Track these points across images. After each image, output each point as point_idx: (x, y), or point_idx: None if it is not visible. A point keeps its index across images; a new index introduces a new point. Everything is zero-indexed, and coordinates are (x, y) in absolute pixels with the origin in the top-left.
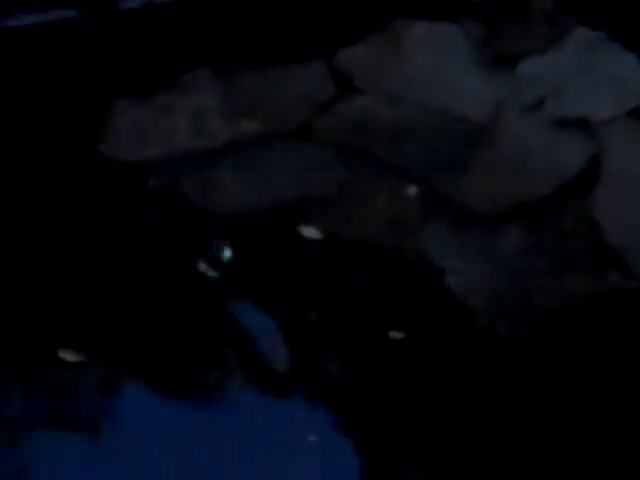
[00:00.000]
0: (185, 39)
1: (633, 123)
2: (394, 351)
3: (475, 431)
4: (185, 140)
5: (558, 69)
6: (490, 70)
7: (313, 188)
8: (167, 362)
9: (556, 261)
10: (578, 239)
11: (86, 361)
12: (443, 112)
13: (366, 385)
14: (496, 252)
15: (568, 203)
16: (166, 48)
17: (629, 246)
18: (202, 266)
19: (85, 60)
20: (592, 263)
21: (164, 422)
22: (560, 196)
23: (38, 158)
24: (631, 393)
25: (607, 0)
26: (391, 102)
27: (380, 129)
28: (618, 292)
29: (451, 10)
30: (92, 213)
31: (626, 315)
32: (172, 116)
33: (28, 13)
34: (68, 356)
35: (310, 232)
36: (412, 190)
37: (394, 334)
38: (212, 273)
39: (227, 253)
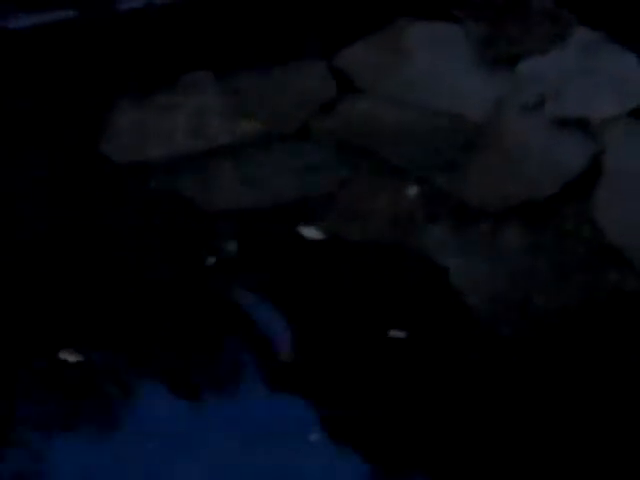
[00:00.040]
0: (185, 40)
1: (633, 123)
2: (395, 349)
3: (474, 430)
4: (185, 141)
5: (558, 69)
6: (490, 70)
7: (313, 188)
8: (168, 362)
9: (556, 260)
10: (578, 239)
11: (88, 361)
12: (444, 112)
13: (367, 383)
14: (497, 251)
15: (568, 203)
16: (166, 49)
17: (630, 245)
18: (203, 266)
19: (86, 61)
20: (592, 263)
21: (170, 416)
22: (561, 196)
23: (38, 159)
24: (631, 392)
25: (607, 0)
26: (392, 102)
27: (380, 129)
28: (618, 292)
29: (451, 10)
30: (92, 213)
31: (626, 314)
32: (172, 117)
33: (28, 14)
34: (69, 356)
35: (310, 232)
36: (413, 190)
37: (395, 333)
38: (213, 273)
39: (228, 252)
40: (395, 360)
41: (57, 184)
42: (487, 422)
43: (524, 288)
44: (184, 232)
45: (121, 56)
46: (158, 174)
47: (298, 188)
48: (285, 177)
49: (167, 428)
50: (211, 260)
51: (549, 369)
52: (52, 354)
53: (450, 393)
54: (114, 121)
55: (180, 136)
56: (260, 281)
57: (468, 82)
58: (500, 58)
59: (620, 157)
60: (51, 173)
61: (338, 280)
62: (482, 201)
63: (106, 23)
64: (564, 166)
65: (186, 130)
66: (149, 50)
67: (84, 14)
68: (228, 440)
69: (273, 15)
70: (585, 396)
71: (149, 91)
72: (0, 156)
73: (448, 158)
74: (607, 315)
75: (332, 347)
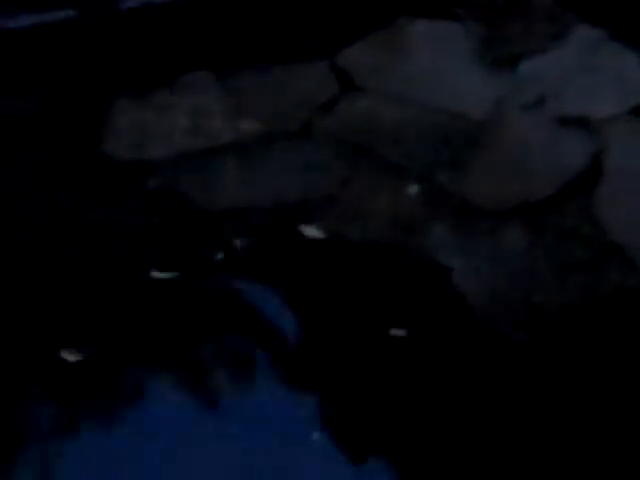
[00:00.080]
0: (185, 39)
1: (634, 121)
2: (396, 348)
3: (474, 429)
4: (186, 140)
5: (559, 67)
6: (491, 68)
7: (314, 187)
8: (170, 361)
9: (558, 259)
10: (580, 237)
11: (89, 360)
12: (444, 111)
13: (367, 381)
14: (498, 250)
15: (570, 201)
16: (166, 48)
17: (631, 244)
18: (204, 265)
19: (86, 60)
20: (594, 261)
21: (173, 414)
22: (562, 194)
23: (39, 158)
24: (632, 392)
25: None
26: (393, 101)
27: (382, 128)
28: (620, 290)
29: (452, 9)
30: (93, 212)
31: (628, 313)
32: (173, 116)
33: (28, 13)
34: (70, 356)
35: (311, 231)
36: (413, 189)
37: (395, 331)
38: (214, 272)
39: (229, 252)
40: (396, 358)
41: (58, 183)
42: (488, 421)
43: (525, 287)
44: (185, 231)
45: (121, 55)
46: (159, 173)
47: (299, 187)
48: (286, 176)
49: (169, 427)
50: (212, 259)
51: (550, 368)
52: (53, 353)
53: (450, 392)
54: (115, 120)
55: (181, 135)
56: (261, 280)
57: (469, 81)
58: (501, 57)
59: (621, 155)
60: (51, 172)
61: (339, 279)
62: (483, 200)
63: (106, 22)
64: (565, 165)
65: (186, 129)
66: (149, 49)
67: (84, 14)
68: (231, 439)
69: (273, 14)
70: (587, 395)
71: (149, 90)
72: (3, 154)
73: (449, 157)
74: (609, 313)
75: (334, 345)
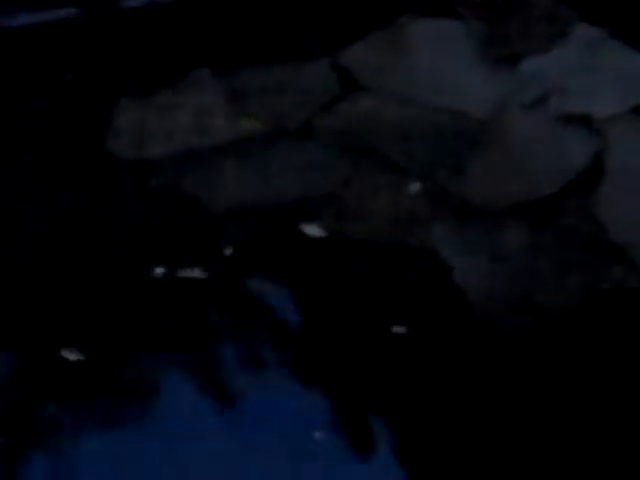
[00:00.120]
0: (187, 38)
1: (636, 120)
2: (397, 345)
3: (474, 428)
4: (188, 139)
5: (561, 66)
6: (493, 67)
7: (316, 186)
8: (171, 361)
9: (559, 258)
10: (581, 236)
11: (89, 360)
12: (446, 110)
13: (369, 378)
14: (499, 249)
15: (571, 200)
16: (169, 47)
17: (633, 243)
18: (205, 264)
19: (88, 59)
20: (595, 260)
21: (174, 414)
22: (563, 193)
23: (41, 157)
24: (633, 391)
25: None
26: (394, 100)
27: (383, 127)
28: (621, 289)
29: (454, 8)
30: (94, 211)
31: (629, 312)
32: (175, 115)
33: (30, 12)
34: (70, 355)
35: (313, 230)
36: (415, 188)
37: (396, 329)
38: (215, 271)
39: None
40: (397, 355)
41: (60, 182)
42: (487, 418)
43: (526, 286)
44: (186, 230)
45: (123, 55)
46: (162, 172)
47: (300, 186)
48: (287, 175)
49: (169, 428)
50: (214, 257)
51: (551, 366)
52: (53, 353)
53: (451, 389)
54: (117, 119)
55: (182, 135)
56: (262, 279)
57: (470, 80)
58: (502, 55)
59: (623, 154)
60: (54, 171)
61: (341, 277)
62: (484, 199)
63: (108, 21)
64: (567, 163)
65: (188, 128)
66: (151, 48)
67: (86, 13)
68: (233, 438)
69: (275, 13)
70: (587, 394)
71: (152, 89)
72: (3, 153)
73: (450, 156)
74: (610, 313)
75: (336, 342)
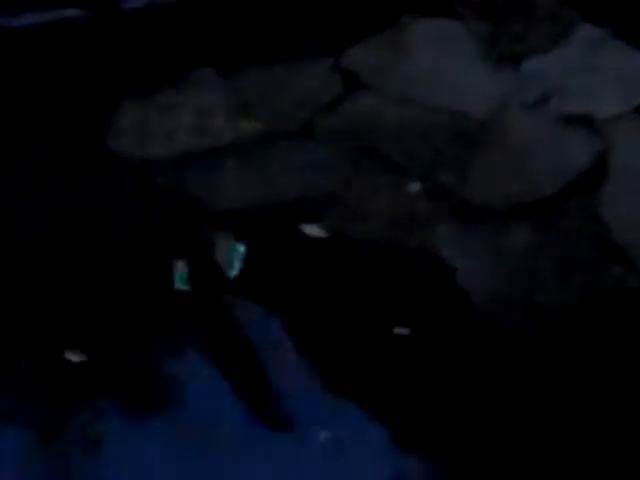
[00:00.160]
0: (189, 38)
1: (639, 120)
2: (397, 347)
3: (476, 425)
4: (189, 139)
5: (562, 66)
6: (494, 67)
7: (316, 186)
8: (172, 362)
9: (560, 259)
10: (583, 237)
11: (91, 361)
12: (447, 110)
13: (371, 378)
14: (500, 250)
15: (573, 201)
16: (170, 47)
17: (635, 243)
18: (206, 264)
19: (90, 59)
20: (596, 261)
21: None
22: (565, 194)
23: (42, 156)
24: (634, 391)
25: None
26: (395, 100)
27: (384, 127)
28: (623, 290)
29: (455, 8)
30: (96, 210)
31: (631, 313)
32: (176, 115)
33: (31, 12)
34: (73, 357)
35: (314, 231)
36: (416, 188)
37: (398, 330)
38: (216, 272)
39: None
40: (400, 356)
41: (61, 182)
42: (489, 418)
43: (528, 286)
44: (186, 230)
45: (125, 55)
46: (163, 171)
47: (301, 186)
48: (288, 175)
49: (170, 428)
50: (214, 259)
51: (552, 366)
52: (56, 354)
53: (453, 389)
54: (120, 118)
55: (184, 134)
56: (263, 279)
57: (472, 79)
58: (504, 55)
59: (626, 154)
60: (55, 171)
61: (342, 278)
62: (485, 199)
63: (110, 22)
64: (569, 164)
65: (190, 128)
66: (152, 49)
67: (87, 13)
68: (236, 438)
69: (277, 13)
70: (589, 393)
71: (153, 89)
72: (6, 152)
73: (451, 156)
74: (611, 313)
75: (338, 343)
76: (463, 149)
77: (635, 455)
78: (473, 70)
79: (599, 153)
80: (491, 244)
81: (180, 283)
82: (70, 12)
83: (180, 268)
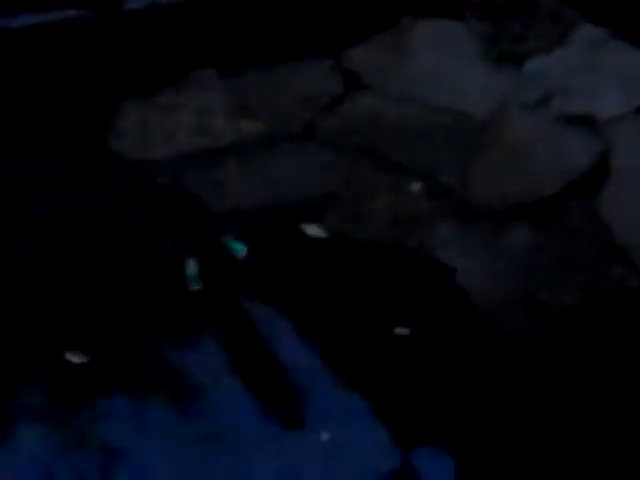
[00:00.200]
0: (190, 39)
1: None
2: (400, 346)
3: (476, 428)
4: (190, 139)
5: (563, 66)
6: (495, 67)
7: (317, 187)
8: (173, 363)
9: (561, 259)
10: (583, 237)
11: (93, 362)
12: (448, 110)
13: (372, 382)
14: (500, 250)
15: (574, 201)
16: (171, 48)
17: (636, 243)
18: (208, 267)
19: (91, 60)
20: (597, 261)
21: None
22: (566, 194)
23: (43, 156)
24: (636, 391)
25: None
26: (396, 100)
27: (385, 127)
28: (624, 290)
29: (456, 8)
30: (97, 211)
31: (631, 313)
32: (177, 116)
33: (31, 13)
34: (74, 358)
35: (314, 231)
36: (416, 188)
37: (399, 330)
38: (217, 272)
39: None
40: (401, 356)
41: (62, 183)
42: (491, 417)
43: (528, 286)
44: (188, 230)
45: (126, 55)
46: (164, 172)
47: (302, 186)
48: (289, 176)
49: (170, 430)
50: (216, 258)
51: (553, 366)
52: (57, 355)
53: (455, 391)
54: (120, 120)
55: (185, 135)
56: (264, 280)
57: (472, 79)
58: (504, 56)
59: (627, 154)
60: (56, 171)
61: (342, 278)
62: (486, 199)
63: (111, 22)
64: (569, 164)
65: (191, 129)
66: (153, 49)
67: (88, 14)
68: (237, 438)
69: (278, 14)
70: (589, 393)
71: (154, 90)
72: (5, 153)
73: (452, 156)
74: (612, 313)
75: (339, 344)
76: (464, 149)
77: (635, 454)
78: (473, 70)
79: (600, 153)
80: (491, 244)
81: (191, 281)
82: (71, 13)
83: (191, 266)
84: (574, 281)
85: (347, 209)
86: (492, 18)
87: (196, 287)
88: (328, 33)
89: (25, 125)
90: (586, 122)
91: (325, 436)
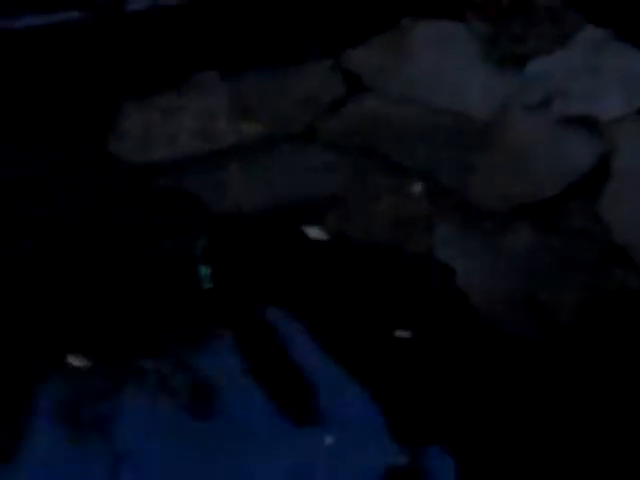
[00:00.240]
0: (191, 41)
1: None
2: (400, 349)
3: (477, 429)
4: (191, 142)
5: (565, 68)
6: (496, 68)
7: (318, 189)
8: (175, 365)
9: (562, 260)
10: (585, 238)
11: (94, 365)
12: (449, 111)
13: (373, 382)
14: (502, 250)
15: (575, 202)
16: (172, 50)
17: (637, 244)
18: (209, 268)
19: (92, 62)
20: (598, 262)
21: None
22: (567, 195)
23: (43, 158)
24: (636, 391)
25: None
26: (397, 101)
27: (386, 129)
28: (624, 291)
29: (457, 9)
30: (98, 213)
31: (632, 314)
32: (179, 118)
33: (33, 14)
34: (76, 361)
35: (315, 233)
36: (417, 189)
37: (400, 333)
38: (219, 275)
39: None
40: (401, 359)
41: (63, 184)
42: (493, 418)
43: (528, 287)
44: (188, 233)
45: (127, 57)
46: (165, 174)
47: (303, 188)
48: (290, 178)
49: (171, 431)
50: (217, 260)
51: (554, 367)
52: (59, 358)
53: (457, 393)
54: (122, 121)
55: (186, 137)
56: (265, 281)
57: (473, 81)
58: (505, 57)
59: (629, 156)
60: (57, 173)
61: (343, 280)
62: (488, 200)
63: (112, 24)
64: (571, 165)
65: (192, 131)
66: (155, 51)
67: (91, 15)
68: (238, 439)
69: (279, 16)
70: (590, 393)
71: (156, 93)
72: (6, 154)
73: (454, 157)
74: (613, 314)
75: (340, 346)
76: (465, 151)
77: (635, 455)
78: (474, 71)
79: (601, 155)
80: (492, 245)
81: (204, 281)
82: (73, 14)
83: (203, 266)
84: (574, 282)
85: (349, 211)
86: (493, 19)
87: (208, 286)
88: (329, 34)
89: (27, 126)
90: (587, 123)
91: (332, 436)
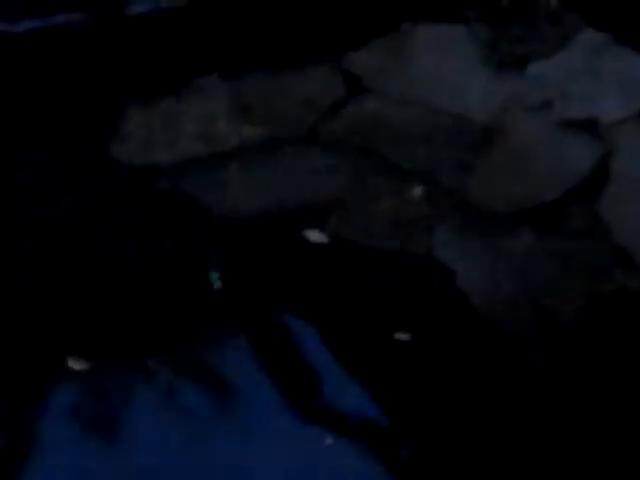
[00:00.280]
0: (193, 44)
1: None
2: (400, 352)
3: (482, 432)
4: (193, 145)
5: (565, 70)
6: (496, 71)
7: (319, 191)
8: (176, 367)
9: (562, 262)
10: (585, 240)
11: (94, 368)
12: (450, 114)
13: (374, 388)
14: (501, 253)
15: (575, 204)
16: (174, 53)
17: (637, 246)
18: (210, 269)
19: (94, 65)
20: (599, 264)
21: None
22: (567, 198)
23: (44, 161)
24: (636, 392)
25: (614, 1)
26: (398, 104)
27: (387, 132)
28: (625, 293)
29: (457, 12)
30: (99, 216)
31: (632, 316)
32: (180, 121)
33: (35, 17)
34: (76, 364)
35: (316, 236)
36: (418, 192)
37: (401, 335)
38: (220, 276)
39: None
40: (401, 362)
41: (65, 187)
42: (494, 422)
43: (529, 289)
44: (189, 235)
45: (129, 60)
46: (167, 178)
47: (304, 191)
48: (291, 180)
49: (172, 433)
50: (218, 262)
51: (554, 368)
52: (59, 362)
53: (457, 395)
54: (123, 125)
55: (188, 140)
56: (265, 285)
57: (474, 83)
58: (506, 60)
59: (629, 158)
60: (58, 176)
61: (344, 283)
62: (487, 203)
63: (114, 27)
64: (571, 168)
65: (194, 134)
66: (156, 54)
67: (92, 18)
68: (238, 440)
69: (280, 19)
70: (591, 394)
71: (157, 95)
72: (8, 157)
73: (454, 160)
74: (614, 315)
75: (340, 349)
76: (465, 153)
77: (636, 455)
78: (475, 74)
79: (601, 157)
80: (492, 246)
81: (214, 282)
82: (74, 17)
83: (214, 267)
84: (575, 283)
85: (349, 213)
86: (493, 22)
87: (218, 286)
88: (330, 37)
89: (28, 129)
90: (587, 126)
91: (332, 436)
